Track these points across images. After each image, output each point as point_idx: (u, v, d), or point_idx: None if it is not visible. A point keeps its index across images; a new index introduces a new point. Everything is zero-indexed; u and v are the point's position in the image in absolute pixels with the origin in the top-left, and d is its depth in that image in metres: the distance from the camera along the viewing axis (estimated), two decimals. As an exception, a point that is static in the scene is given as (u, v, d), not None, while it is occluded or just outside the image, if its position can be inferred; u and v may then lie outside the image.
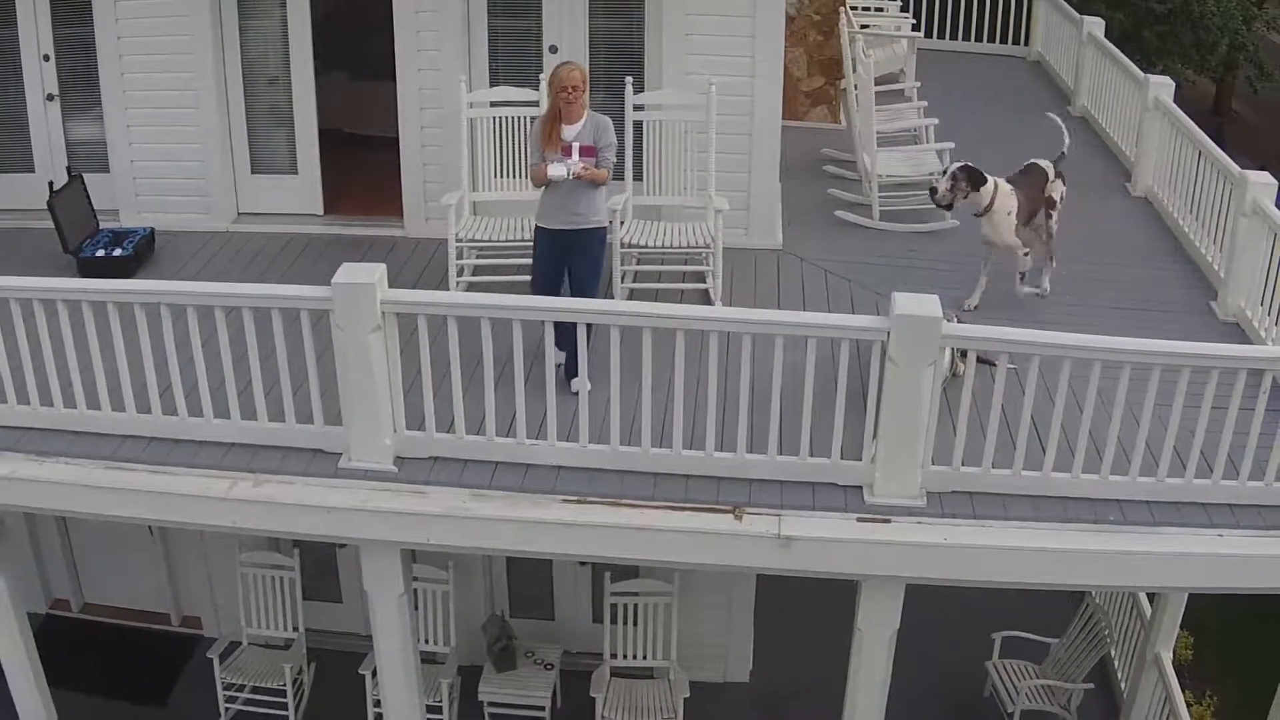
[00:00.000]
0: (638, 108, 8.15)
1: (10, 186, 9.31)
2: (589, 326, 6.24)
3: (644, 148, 8.27)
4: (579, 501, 6.12)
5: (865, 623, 6.31)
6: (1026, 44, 14.23)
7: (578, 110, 6.90)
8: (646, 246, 8.05)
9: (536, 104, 8.12)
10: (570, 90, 6.80)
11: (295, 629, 9.22)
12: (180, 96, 8.79)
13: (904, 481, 6.08)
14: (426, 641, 8.92)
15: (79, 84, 9.20)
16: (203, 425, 6.48)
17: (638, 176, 8.30)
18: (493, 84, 8.51)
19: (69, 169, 9.22)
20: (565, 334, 6.49)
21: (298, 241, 8.90)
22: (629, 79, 8.17)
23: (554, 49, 8.56)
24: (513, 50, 8.66)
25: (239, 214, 9.28)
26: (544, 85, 8.09)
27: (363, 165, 9.72)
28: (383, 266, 6.01)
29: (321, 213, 9.34)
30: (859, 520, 6.06)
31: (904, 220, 9.43)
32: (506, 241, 7.96)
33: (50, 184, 8.82)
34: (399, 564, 6.46)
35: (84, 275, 8.27)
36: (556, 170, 6.74)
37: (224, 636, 9.16)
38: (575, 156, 6.77)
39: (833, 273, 8.48)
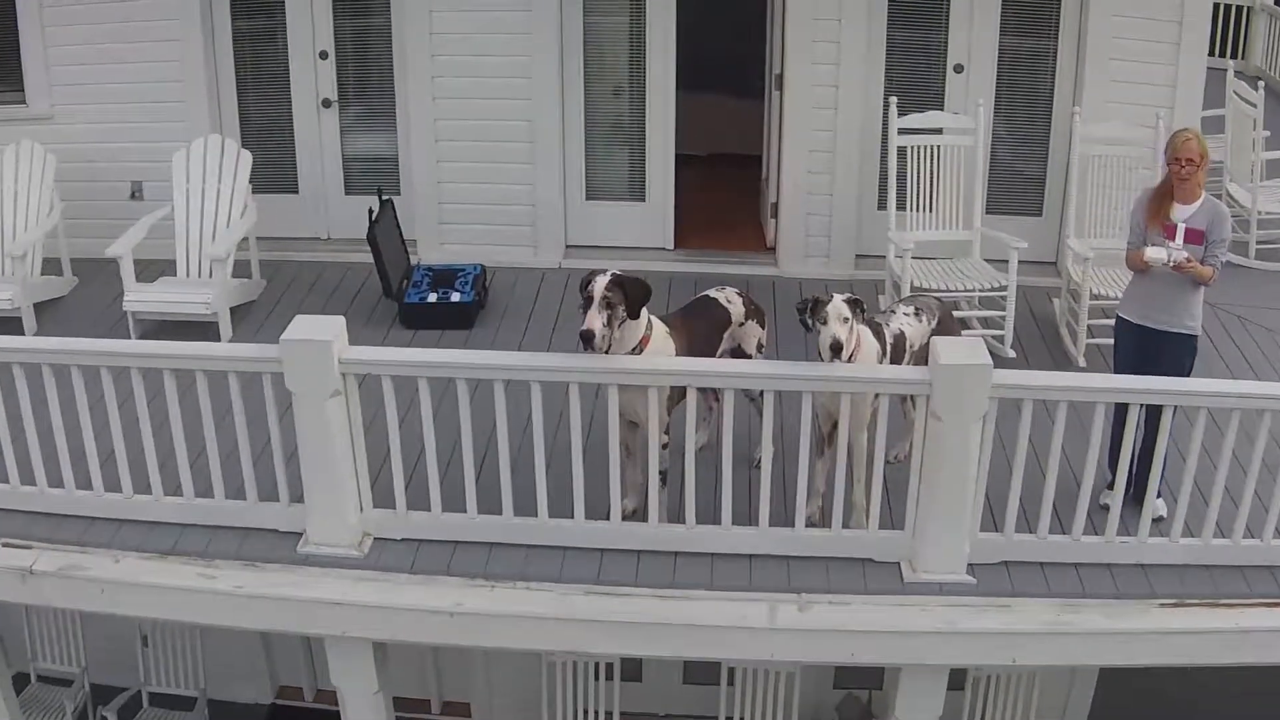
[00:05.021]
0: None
1: (269, 209, 7.87)
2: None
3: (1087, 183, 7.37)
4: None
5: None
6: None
7: (1193, 189, 5.72)
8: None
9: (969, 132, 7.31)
10: (1185, 163, 5.63)
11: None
12: (504, 107, 7.64)
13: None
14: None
15: (361, 87, 8.03)
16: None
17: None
18: (885, 100, 7.48)
19: (379, 191, 7.74)
20: None
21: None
22: (1076, 109, 7.28)
23: (959, 68, 7.60)
24: (912, 66, 7.68)
25: (567, 247, 8.17)
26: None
27: (701, 191, 8.73)
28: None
29: (671, 246, 8.29)
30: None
31: None
32: (943, 291, 7.05)
33: (370, 211, 7.48)
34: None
35: (410, 324, 7.35)
36: (1155, 254, 5.63)
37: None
38: (1179, 240, 5.68)
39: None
